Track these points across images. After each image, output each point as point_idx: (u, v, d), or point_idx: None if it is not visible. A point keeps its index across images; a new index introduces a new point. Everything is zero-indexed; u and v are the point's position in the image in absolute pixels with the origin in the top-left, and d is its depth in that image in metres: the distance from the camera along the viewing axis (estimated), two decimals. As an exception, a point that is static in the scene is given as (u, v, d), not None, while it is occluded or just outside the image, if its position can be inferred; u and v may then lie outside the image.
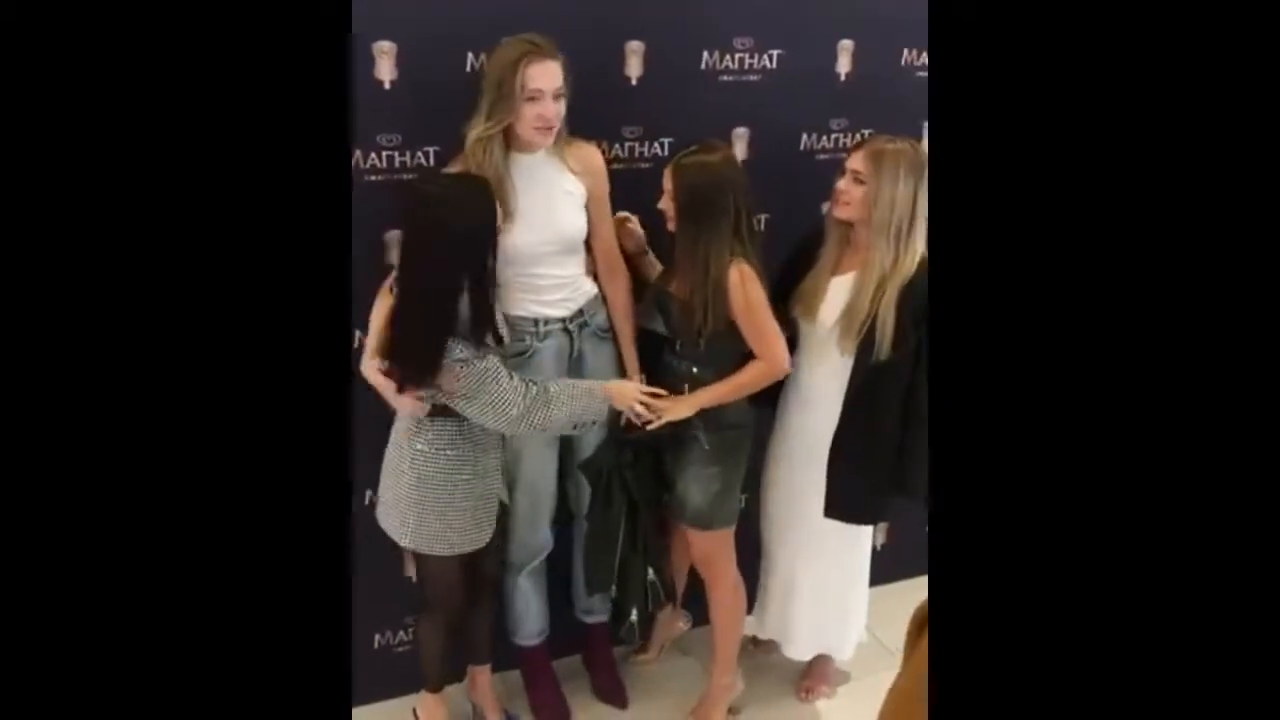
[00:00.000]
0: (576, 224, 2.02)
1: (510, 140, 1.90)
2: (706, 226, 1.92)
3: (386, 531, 2.04)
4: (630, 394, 1.99)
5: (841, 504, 2.09)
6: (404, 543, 2.01)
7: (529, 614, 2.34)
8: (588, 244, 2.07)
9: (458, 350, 1.78)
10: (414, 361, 1.80)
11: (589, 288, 2.11)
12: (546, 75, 1.83)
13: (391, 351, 1.83)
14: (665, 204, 1.97)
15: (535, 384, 1.87)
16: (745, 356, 2.03)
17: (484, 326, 1.81)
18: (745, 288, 1.94)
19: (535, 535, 2.24)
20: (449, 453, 1.92)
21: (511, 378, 1.83)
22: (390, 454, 1.99)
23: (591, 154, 2.04)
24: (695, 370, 2.03)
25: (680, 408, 2.01)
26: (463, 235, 1.76)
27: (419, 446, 1.91)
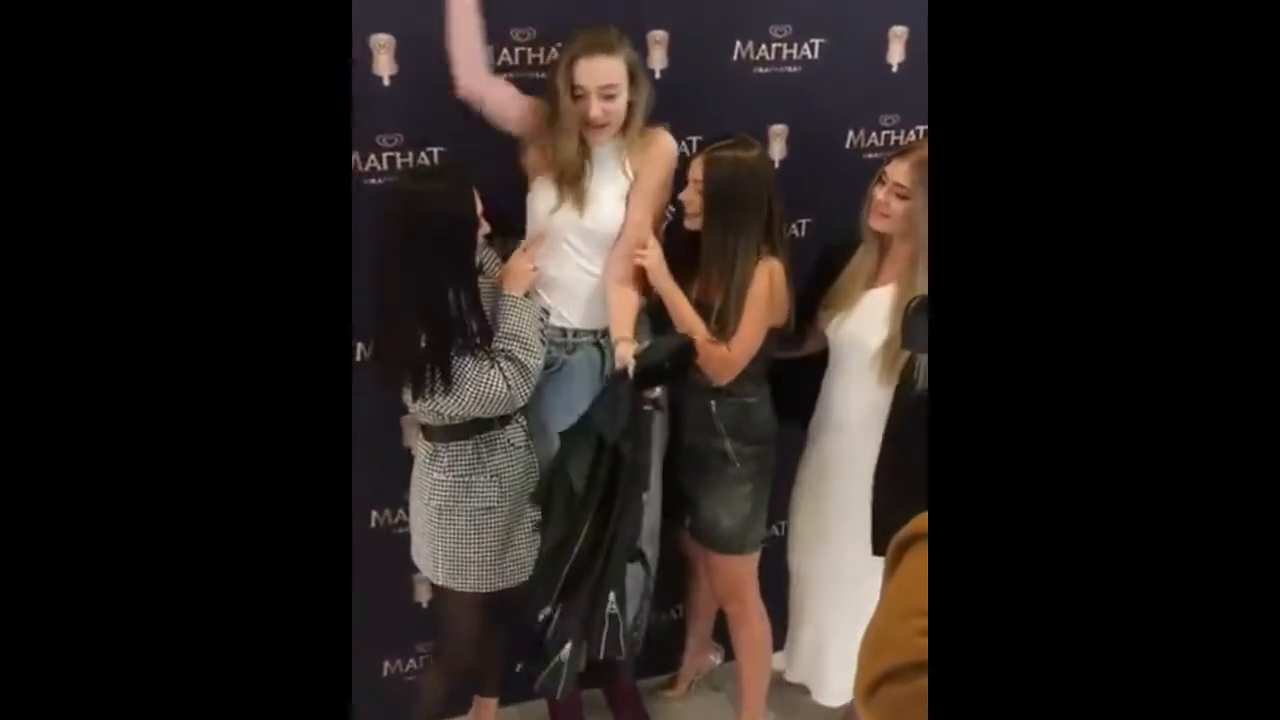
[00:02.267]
0: (614, 218, 1.86)
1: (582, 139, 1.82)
2: (736, 225, 1.81)
3: (420, 569, 1.96)
4: (518, 267, 1.81)
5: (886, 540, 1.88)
6: (434, 579, 1.92)
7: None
8: None
9: (469, 361, 1.72)
10: (406, 367, 1.72)
11: None
12: (593, 72, 1.73)
13: (384, 356, 1.76)
14: (690, 196, 1.84)
15: (498, 356, 1.76)
16: (768, 366, 1.91)
17: (480, 327, 1.73)
18: (771, 284, 1.83)
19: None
20: (469, 479, 1.82)
21: (492, 366, 1.74)
22: (413, 488, 1.91)
23: (653, 140, 1.87)
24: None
25: (656, 266, 1.84)
26: (437, 231, 1.67)
27: (436, 475, 1.83)
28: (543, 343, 1.82)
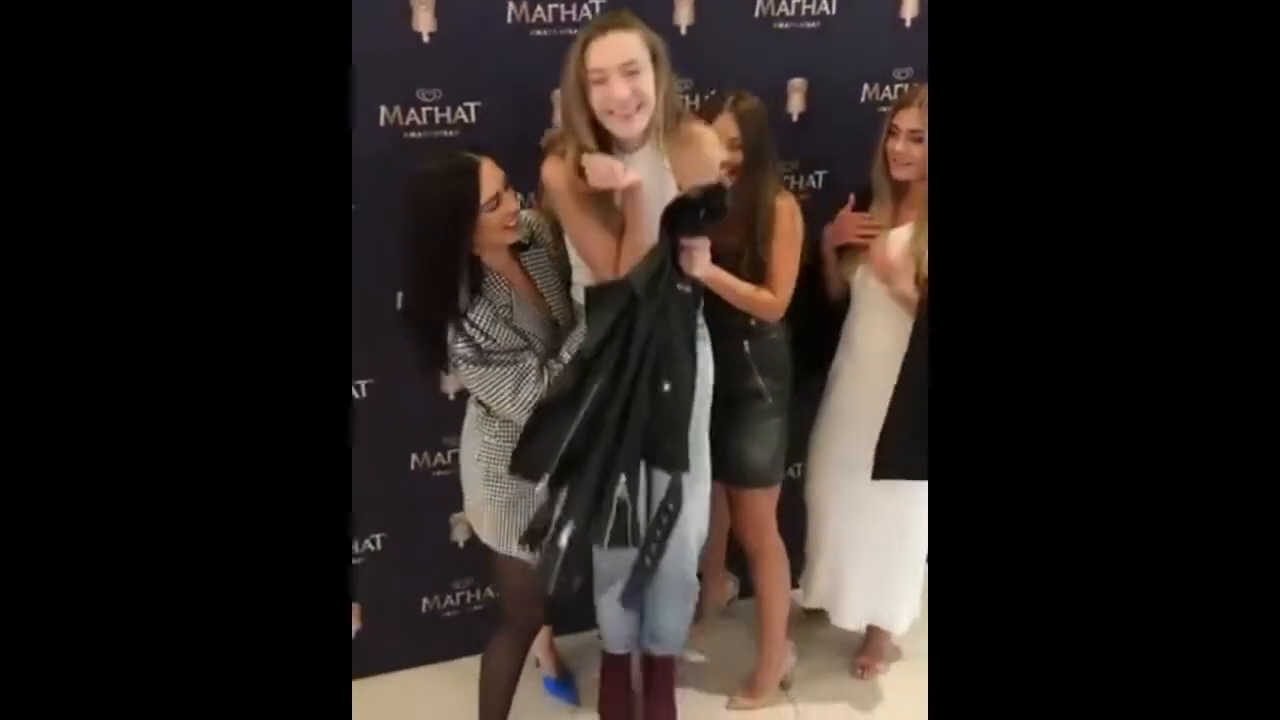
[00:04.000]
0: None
1: (607, 143, 1.65)
2: (763, 172, 1.89)
3: (475, 530, 1.93)
4: None
5: (891, 462, 1.98)
6: (486, 540, 1.89)
7: (619, 624, 2.14)
8: None
9: (460, 345, 1.66)
10: (420, 344, 1.72)
11: None
12: (608, 50, 1.56)
13: (409, 319, 1.74)
14: (728, 153, 1.84)
15: (555, 368, 1.71)
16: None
17: (500, 309, 1.68)
18: (793, 218, 1.91)
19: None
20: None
21: (540, 380, 1.69)
22: (463, 444, 1.89)
23: (694, 136, 1.70)
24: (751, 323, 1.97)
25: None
26: (434, 219, 1.61)
27: (486, 439, 1.80)
28: None
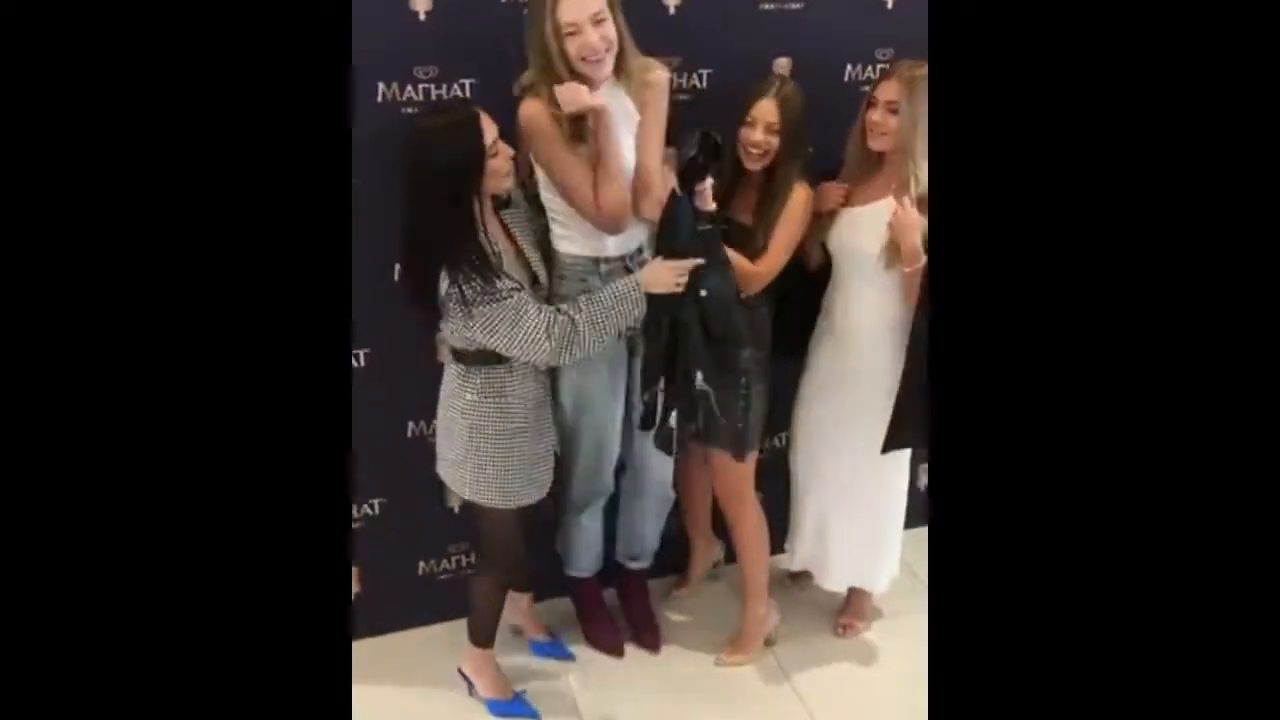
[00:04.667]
0: (631, 159, 1.95)
1: (582, 81, 1.82)
2: (793, 158, 1.99)
3: (451, 487, 2.05)
4: (666, 275, 1.86)
5: (902, 436, 2.05)
6: (466, 495, 2.00)
7: (586, 550, 2.36)
8: None
9: (461, 290, 1.75)
10: (415, 299, 1.82)
11: (645, 227, 2.04)
12: (578, 5, 1.75)
13: (406, 280, 1.85)
14: (759, 138, 1.96)
15: (561, 312, 1.83)
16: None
17: (485, 260, 1.78)
18: (805, 207, 2.02)
19: (599, 480, 2.23)
20: (499, 401, 1.91)
21: (539, 312, 1.81)
22: (442, 408, 1.99)
23: (648, 68, 1.92)
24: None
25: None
26: (440, 169, 1.73)
27: (469, 397, 1.90)
28: (618, 335, 1.94)
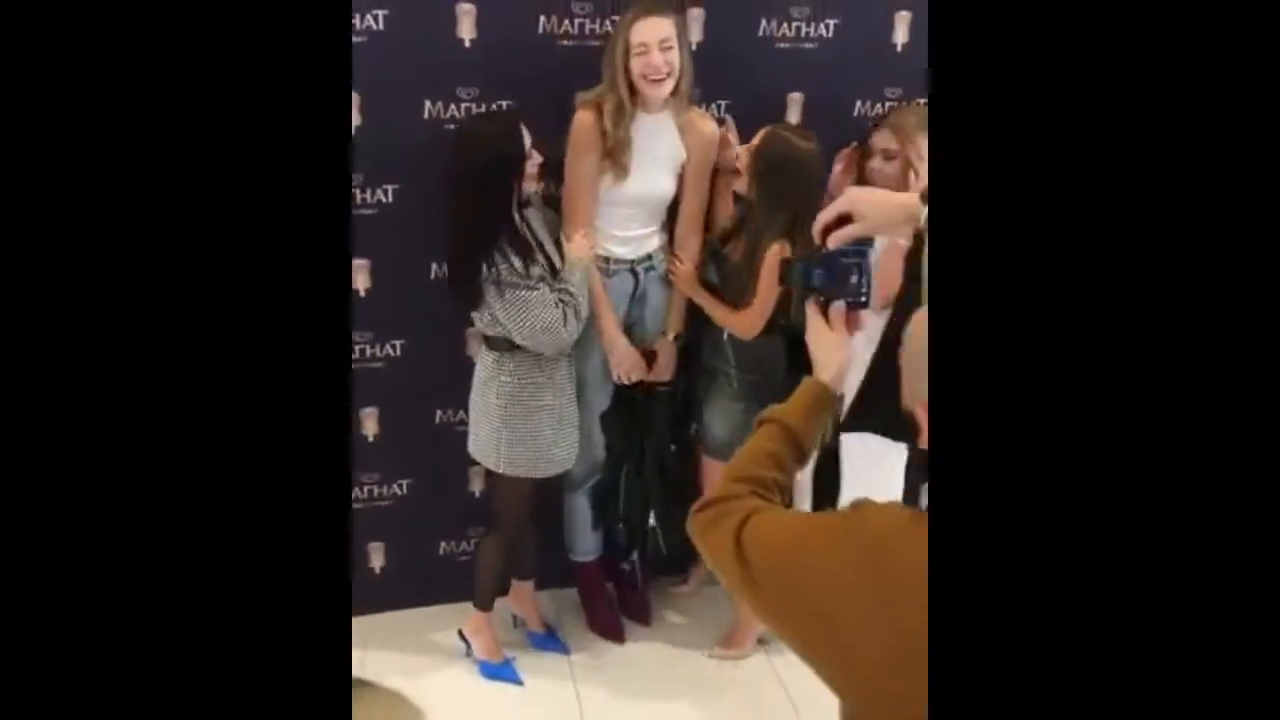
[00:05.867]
0: (663, 187, 2.21)
1: (636, 100, 2.09)
2: (770, 201, 2.10)
3: (479, 460, 2.28)
4: (581, 245, 2.13)
5: (863, 417, 2.17)
6: (497, 468, 2.23)
7: (585, 532, 2.54)
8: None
9: (499, 274, 1.99)
10: (457, 284, 2.05)
11: (661, 237, 2.30)
12: (650, 29, 2.00)
13: (451, 278, 2.10)
14: (741, 162, 2.15)
15: (566, 300, 2.06)
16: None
17: (524, 253, 2.02)
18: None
19: (594, 455, 2.43)
20: (532, 381, 2.14)
21: (557, 305, 2.04)
22: (476, 390, 2.22)
23: (704, 121, 2.20)
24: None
25: (684, 278, 2.25)
26: (485, 167, 1.98)
27: (504, 379, 2.15)
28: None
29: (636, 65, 2.02)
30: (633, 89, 2.07)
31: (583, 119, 2.12)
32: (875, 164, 2.13)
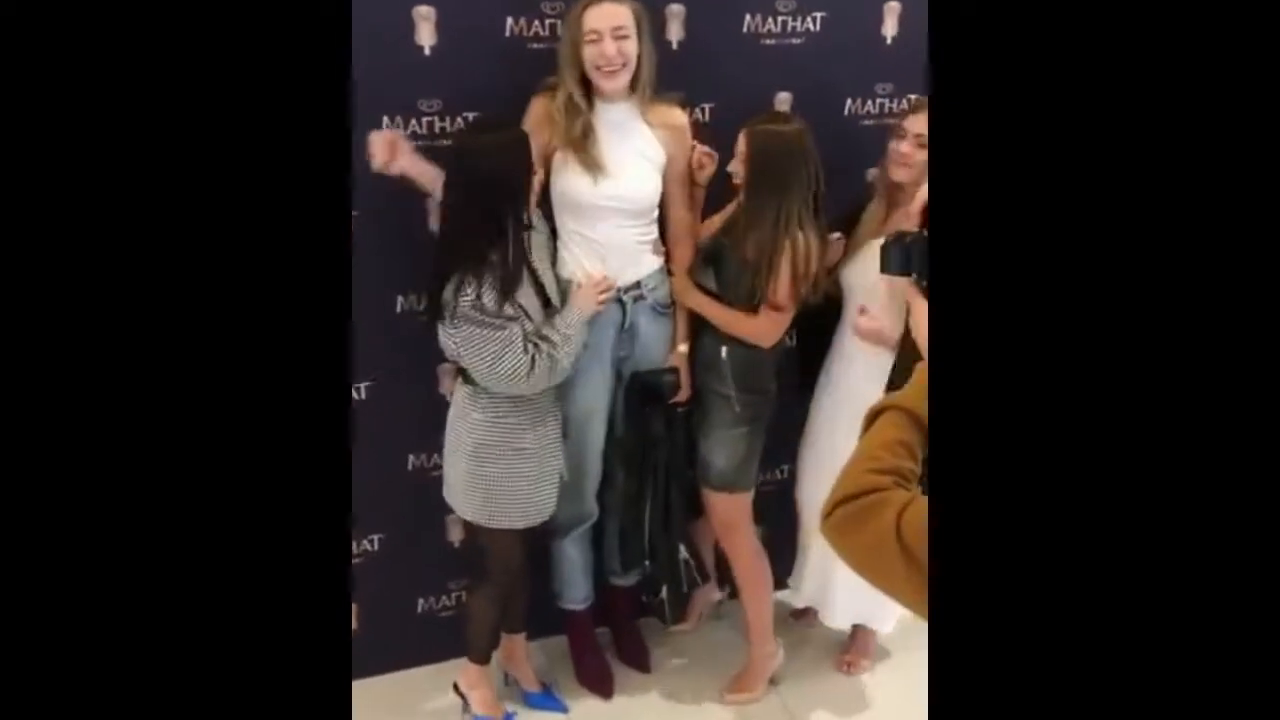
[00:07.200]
0: (647, 186, 2.00)
1: (592, 92, 1.92)
2: (778, 193, 1.94)
3: (454, 508, 2.05)
4: (588, 297, 1.94)
5: None
6: (469, 517, 2.01)
7: (575, 579, 2.34)
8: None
9: (471, 301, 1.77)
10: (436, 303, 1.83)
11: (652, 261, 2.07)
12: (603, 16, 1.84)
13: (430, 303, 1.87)
14: (736, 166, 1.99)
15: (543, 345, 1.85)
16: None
17: (507, 286, 1.79)
18: (796, 259, 1.96)
19: (582, 502, 2.23)
20: (507, 421, 1.91)
21: (525, 350, 1.81)
22: (449, 428, 1.99)
23: (674, 114, 2.02)
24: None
25: (681, 287, 2.09)
26: (490, 182, 1.77)
27: (475, 416, 1.91)
28: (584, 347, 1.97)
29: (589, 54, 1.86)
30: (587, 82, 1.90)
31: (535, 105, 1.96)
32: (906, 148, 1.96)
